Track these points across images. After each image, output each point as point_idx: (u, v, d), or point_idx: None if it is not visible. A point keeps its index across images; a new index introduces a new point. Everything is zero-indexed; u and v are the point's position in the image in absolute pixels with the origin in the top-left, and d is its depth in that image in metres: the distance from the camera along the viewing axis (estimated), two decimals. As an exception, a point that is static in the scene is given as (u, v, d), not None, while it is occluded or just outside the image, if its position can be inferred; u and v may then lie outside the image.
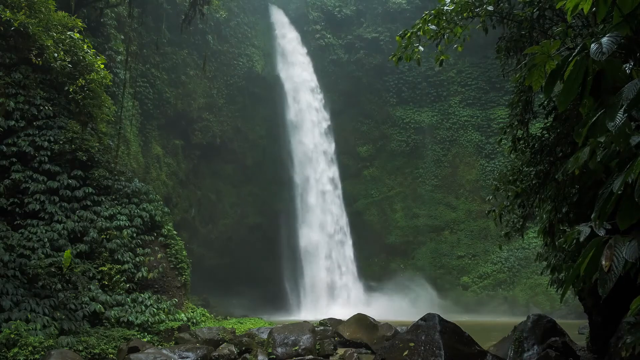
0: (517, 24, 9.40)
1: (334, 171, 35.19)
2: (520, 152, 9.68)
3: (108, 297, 15.37)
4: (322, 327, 16.97)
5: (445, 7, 9.05)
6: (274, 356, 13.13)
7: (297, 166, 34.55)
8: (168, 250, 17.94)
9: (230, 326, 17.19)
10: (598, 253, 2.85)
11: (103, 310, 14.78)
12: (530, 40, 9.24)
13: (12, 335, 11.70)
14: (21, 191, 15.84)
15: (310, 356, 12.98)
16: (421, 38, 9.36)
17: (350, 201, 35.55)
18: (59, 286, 14.20)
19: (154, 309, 15.86)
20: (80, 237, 16.13)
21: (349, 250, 33.72)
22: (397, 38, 9.43)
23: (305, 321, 16.73)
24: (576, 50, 3.19)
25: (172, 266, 17.70)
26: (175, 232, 18.76)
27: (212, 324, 17.38)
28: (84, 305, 14.51)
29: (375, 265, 35.36)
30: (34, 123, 16.69)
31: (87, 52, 17.63)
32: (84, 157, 17.12)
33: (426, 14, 9.25)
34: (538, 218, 9.98)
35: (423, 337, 10.09)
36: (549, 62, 3.51)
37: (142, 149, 27.58)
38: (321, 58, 37.26)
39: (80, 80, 17.21)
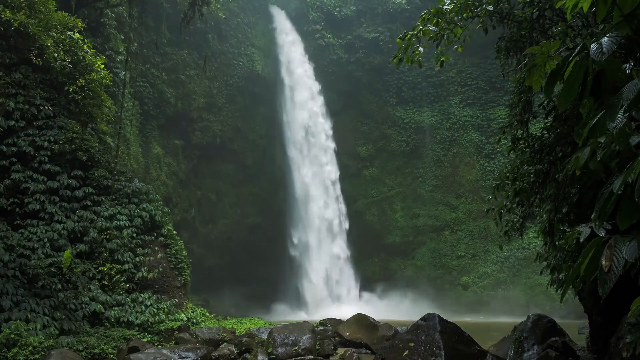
0: (517, 24, 9.39)
1: (334, 171, 35.16)
2: (520, 152, 9.69)
3: (108, 297, 15.37)
4: (322, 327, 16.97)
5: (445, 7, 9.03)
6: (274, 356, 13.13)
7: (296, 165, 34.53)
8: (168, 250, 17.94)
9: (230, 326, 17.19)
10: (598, 253, 2.85)
11: (103, 310, 14.79)
12: (530, 40, 9.23)
13: (12, 335, 11.71)
14: (21, 191, 15.84)
15: (310, 356, 12.99)
16: (421, 39, 9.35)
17: (350, 201, 35.53)
18: (59, 286, 14.21)
19: (154, 309, 15.87)
20: (80, 237, 16.14)
21: (348, 250, 33.71)
22: (398, 40, 9.41)
23: (305, 321, 16.74)
24: (576, 50, 3.18)
25: (172, 266, 17.71)
26: (175, 232, 18.76)
27: (212, 324, 17.39)
28: (84, 305, 14.51)
29: (375, 265, 35.35)
30: (34, 123, 16.69)
31: (87, 52, 17.63)
32: (84, 157, 17.12)
33: (425, 13, 9.23)
34: (538, 218, 9.98)
35: (423, 337, 10.10)
36: (549, 62, 3.51)
37: (142, 149, 27.56)
38: (321, 58, 37.24)
39: (80, 80, 17.21)
